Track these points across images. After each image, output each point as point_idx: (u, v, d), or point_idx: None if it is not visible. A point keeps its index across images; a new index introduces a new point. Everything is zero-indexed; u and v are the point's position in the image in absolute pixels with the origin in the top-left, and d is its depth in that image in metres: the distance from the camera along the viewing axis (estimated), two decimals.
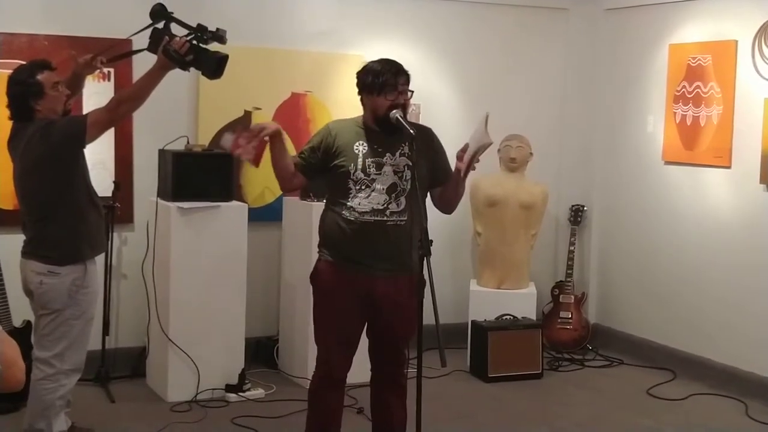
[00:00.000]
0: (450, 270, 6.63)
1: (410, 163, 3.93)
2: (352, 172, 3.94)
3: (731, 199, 5.92)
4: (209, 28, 4.08)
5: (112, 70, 5.49)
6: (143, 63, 4.37)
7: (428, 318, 3.54)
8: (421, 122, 5.13)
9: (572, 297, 6.68)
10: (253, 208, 5.87)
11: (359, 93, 4.03)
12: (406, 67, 4.01)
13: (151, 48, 4.13)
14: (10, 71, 4.31)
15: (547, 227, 6.79)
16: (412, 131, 3.81)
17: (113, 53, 4.50)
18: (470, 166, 3.92)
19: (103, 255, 4.89)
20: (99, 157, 5.42)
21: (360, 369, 4.24)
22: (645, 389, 5.86)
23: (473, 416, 5.34)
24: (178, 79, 4.56)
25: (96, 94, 5.32)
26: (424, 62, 6.44)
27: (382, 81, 3.91)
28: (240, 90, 5.86)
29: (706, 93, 6.03)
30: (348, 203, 3.94)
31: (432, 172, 4.03)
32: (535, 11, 6.85)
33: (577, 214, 6.87)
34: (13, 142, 4.23)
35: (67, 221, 4.17)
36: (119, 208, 5.53)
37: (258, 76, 5.99)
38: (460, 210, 4.33)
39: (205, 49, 4.07)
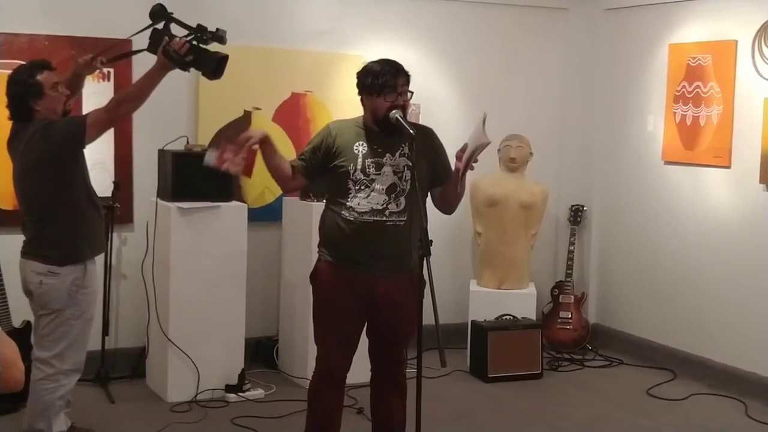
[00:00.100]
0: (450, 270, 6.62)
1: (410, 164, 3.93)
2: (351, 172, 3.94)
3: (731, 199, 5.92)
4: (209, 29, 4.07)
5: (111, 70, 5.49)
6: (143, 63, 4.36)
7: (428, 318, 3.54)
8: (421, 122, 5.14)
9: (572, 297, 6.68)
10: (253, 208, 5.87)
11: (359, 93, 4.03)
12: (406, 67, 4.01)
13: (151, 48, 4.12)
14: (10, 71, 4.31)
15: (547, 227, 6.79)
16: (412, 131, 3.82)
17: (113, 53, 4.50)
18: (468, 166, 3.92)
19: (102, 255, 4.89)
20: (99, 157, 5.42)
21: (360, 369, 4.24)
22: (645, 389, 5.85)
23: (473, 416, 5.34)
24: (178, 79, 4.56)
25: (96, 94, 5.32)
26: (424, 62, 6.44)
27: (382, 82, 3.91)
28: (240, 90, 5.86)
29: (706, 93, 6.02)
30: (347, 203, 3.94)
31: (432, 172, 4.03)
32: (535, 11, 6.85)
33: (577, 214, 6.87)
34: (12, 143, 4.23)
35: (66, 221, 4.17)
36: (119, 208, 5.52)
37: (258, 76, 5.98)
38: (460, 210, 4.33)
39: (205, 49, 4.07)
